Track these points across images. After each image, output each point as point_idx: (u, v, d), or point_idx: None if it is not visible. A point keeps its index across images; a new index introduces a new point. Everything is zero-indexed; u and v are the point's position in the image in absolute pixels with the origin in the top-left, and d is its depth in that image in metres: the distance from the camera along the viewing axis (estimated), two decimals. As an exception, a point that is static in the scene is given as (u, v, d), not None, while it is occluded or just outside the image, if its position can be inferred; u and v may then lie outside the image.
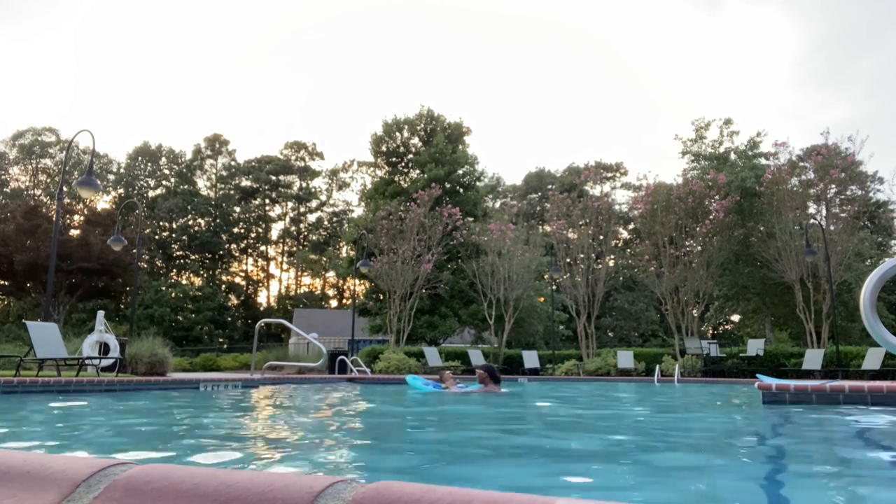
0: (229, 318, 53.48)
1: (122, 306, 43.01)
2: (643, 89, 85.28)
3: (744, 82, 79.78)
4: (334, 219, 63.44)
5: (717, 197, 21.69)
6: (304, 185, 63.06)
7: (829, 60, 75.89)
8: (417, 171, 30.13)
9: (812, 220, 20.53)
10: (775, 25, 73.75)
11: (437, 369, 18.53)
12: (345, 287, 56.90)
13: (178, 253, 57.55)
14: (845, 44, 74.11)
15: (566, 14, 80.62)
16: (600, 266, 23.49)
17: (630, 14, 78.67)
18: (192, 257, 57.76)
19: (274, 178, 61.36)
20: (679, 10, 77.95)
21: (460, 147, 31.08)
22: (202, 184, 60.68)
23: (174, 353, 16.72)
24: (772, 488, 2.11)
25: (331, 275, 59.54)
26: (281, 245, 63.85)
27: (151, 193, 58.45)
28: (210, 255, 58.07)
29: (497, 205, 46.23)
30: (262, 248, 62.90)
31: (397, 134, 31.10)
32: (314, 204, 63.94)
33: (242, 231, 60.71)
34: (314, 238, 62.88)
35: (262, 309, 57.62)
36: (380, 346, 22.91)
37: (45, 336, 9.15)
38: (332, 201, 64.54)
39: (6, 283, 37.01)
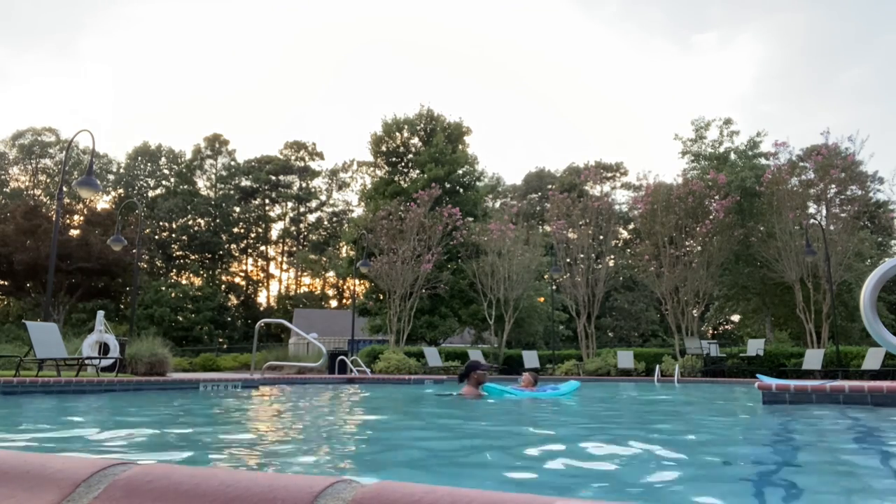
0: (229, 318, 53.46)
1: (122, 306, 43.01)
2: (643, 90, 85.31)
3: (736, 88, 79.80)
4: (334, 219, 63.44)
5: (717, 197, 21.68)
6: (303, 185, 63.05)
7: (815, 70, 75.98)
8: (417, 171, 30.10)
9: (812, 220, 20.53)
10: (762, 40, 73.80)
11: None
12: (345, 287, 56.89)
13: (178, 253, 57.54)
14: (829, 55, 74.11)
15: (566, 15, 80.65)
16: (600, 266, 23.49)
17: (630, 18, 78.75)
18: (192, 257, 57.75)
19: (274, 178, 61.35)
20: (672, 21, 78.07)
21: (460, 147, 31.05)
22: (202, 184, 60.71)
23: (174, 353, 16.72)
24: (771, 489, 2.10)
25: (331, 275, 59.52)
26: (281, 245, 63.85)
27: (151, 193, 58.46)
28: (210, 255, 58.07)
29: (497, 205, 46.22)
30: (262, 248, 62.90)
31: (397, 134, 31.06)
32: (314, 204, 63.95)
33: (242, 231, 60.71)
34: (314, 238, 62.88)
35: (262, 309, 57.61)
36: (380, 346, 22.89)
37: (45, 336, 9.15)
38: (331, 201, 64.58)
39: (6, 283, 37.01)
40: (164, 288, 46.89)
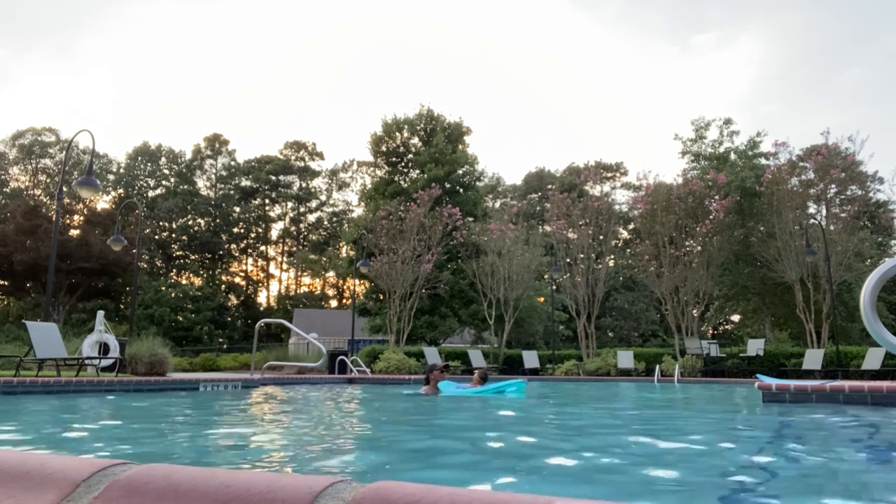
0: (229, 318, 53.46)
1: (122, 306, 43.01)
2: (643, 90, 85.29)
3: (731, 91, 79.80)
4: (334, 219, 63.44)
5: (717, 197, 21.68)
6: (303, 185, 63.05)
7: (814, 71, 76.02)
8: (417, 171, 30.10)
9: (812, 220, 20.53)
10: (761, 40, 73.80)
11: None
12: (345, 287, 56.89)
13: (178, 253, 57.54)
14: (827, 56, 74.11)
15: (565, 15, 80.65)
16: (600, 266, 23.48)
17: (630, 18, 78.76)
18: (192, 257, 57.75)
19: (274, 178, 61.35)
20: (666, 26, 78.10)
21: (460, 147, 31.04)
22: (202, 184, 60.71)
23: (174, 353, 16.73)
24: (771, 488, 2.10)
25: (331, 275, 59.53)
26: (281, 245, 63.85)
27: (151, 193, 58.45)
28: (210, 255, 58.06)
29: (497, 205, 46.22)
30: (262, 248, 62.90)
31: (397, 134, 31.06)
32: (314, 204, 63.94)
33: (242, 231, 60.71)
34: (314, 238, 62.88)
35: (262, 309, 57.60)
36: (380, 346, 22.89)
37: (45, 336, 9.15)
38: (331, 201, 64.58)
39: (6, 283, 37.03)
40: (164, 288, 46.89)
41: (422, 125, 31.13)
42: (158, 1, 78.73)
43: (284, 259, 63.50)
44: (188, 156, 60.19)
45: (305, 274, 63.19)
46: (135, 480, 0.82)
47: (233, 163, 61.28)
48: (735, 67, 79.25)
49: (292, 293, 61.91)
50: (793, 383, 6.35)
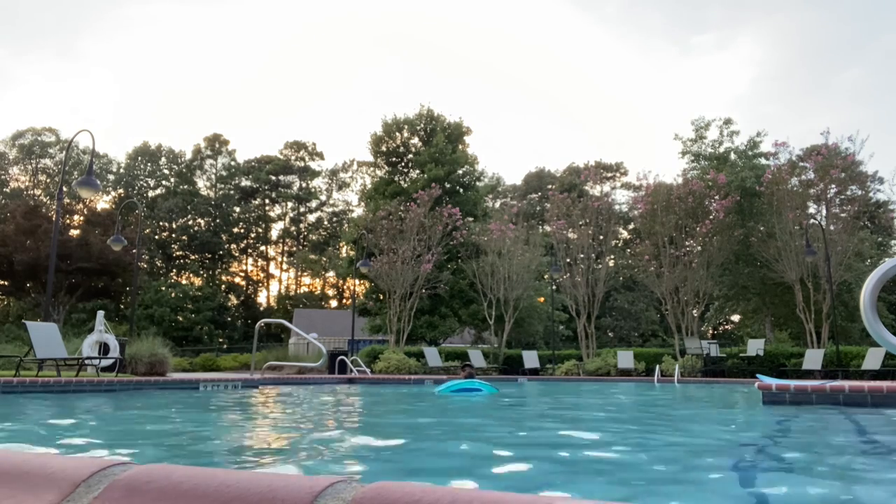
0: (229, 318, 53.44)
1: (122, 306, 42.99)
2: (643, 90, 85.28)
3: (729, 93, 79.80)
4: (334, 219, 63.43)
5: (717, 197, 21.68)
6: (303, 185, 63.04)
7: (812, 72, 76.04)
8: (417, 171, 30.09)
9: (812, 220, 20.53)
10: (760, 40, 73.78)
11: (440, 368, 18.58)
12: (345, 287, 56.88)
13: (178, 253, 57.52)
14: (826, 57, 74.11)
15: (565, 16, 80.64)
16: (600, 266, 23.48)
17: (630, 19, 78.76)
18: (192, 257, 57.73)
19: (274, 178, 61.33)
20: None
21: (460, 147, 31.03)
22: (202, 184, 60.69)
23: (174, 353, 16.74)
24: (771, 488, 2.10)
25: (331, 275, 59.52)
26: (281, 245, 63.83)
27: (151, 193, 58.44)
28: (210, 255, 58.05)
29: (497, 205, 46.21)
30: (262, 248, 62.88)
31: (397, 134, 31.05)
32: (314, 204, 63.93)
33: (242, 231, 60.69)
34: (314, 238, 62.88)
35: (262, 309, 57.59)
36: (380, 347, 22.88)
37: (45, 336, 9.15)
38: (331, 201, 64.57)
39: (6, 283, 37.01)
40: (164, 288, 46.87)
41: (422, 125, 31.12)
42: (159, 1, 78.73)
43: (284, 259, 63.50)
44: (188, 156, 60.19)
45: (305, 274, 63.19)
46: (135, 480, 0.82)
47: (233, 163, 61.28)
48: (734, 68, 79.24)
49: (292, 293, 61.90)
50: (793, 383, 6.35)
